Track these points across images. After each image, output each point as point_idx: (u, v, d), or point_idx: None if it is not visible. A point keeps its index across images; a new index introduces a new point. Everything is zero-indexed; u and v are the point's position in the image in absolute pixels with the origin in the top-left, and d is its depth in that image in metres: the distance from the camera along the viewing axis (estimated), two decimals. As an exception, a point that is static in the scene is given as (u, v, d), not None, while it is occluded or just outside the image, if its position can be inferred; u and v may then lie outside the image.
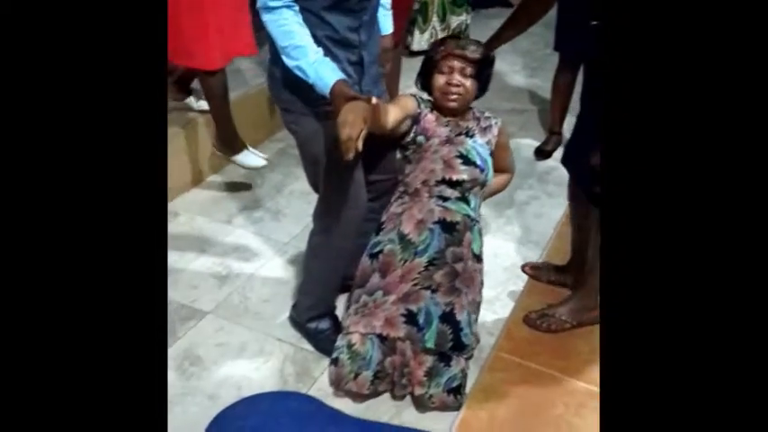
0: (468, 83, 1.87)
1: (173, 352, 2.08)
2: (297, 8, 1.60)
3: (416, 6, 4.35)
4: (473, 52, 1.86)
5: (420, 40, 4.43)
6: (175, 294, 2.32)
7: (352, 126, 1.49)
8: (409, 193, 1.92)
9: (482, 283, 1.95)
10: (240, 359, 2.07)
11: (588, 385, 1.87)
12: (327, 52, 1.63)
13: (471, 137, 1.92)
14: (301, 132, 1.81)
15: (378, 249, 1.90)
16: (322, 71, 1.58)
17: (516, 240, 2.70)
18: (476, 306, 1.93)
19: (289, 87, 1.72)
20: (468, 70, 1.86)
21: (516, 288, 2.35)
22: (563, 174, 3.24)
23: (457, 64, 1.85)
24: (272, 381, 2.00)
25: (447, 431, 1.80)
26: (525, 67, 4.38)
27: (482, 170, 1.89)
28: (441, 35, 4.46)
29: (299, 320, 2.14)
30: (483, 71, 1.91)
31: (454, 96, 1.88)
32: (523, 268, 2.40)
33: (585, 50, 1.78)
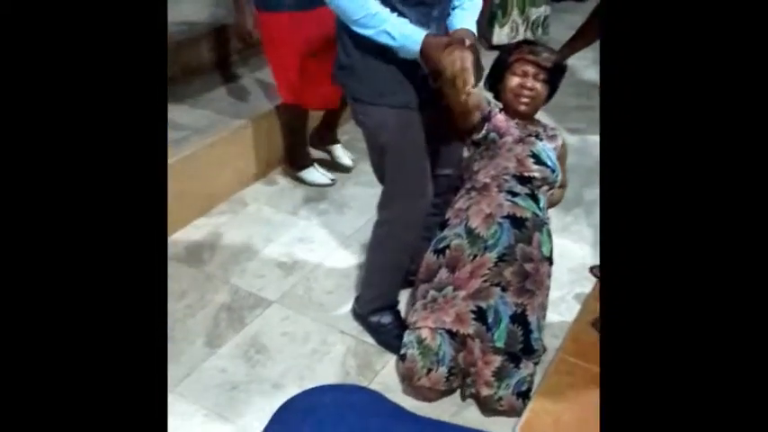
0: (540, 87, 1.88)
1: (240, 339, 2.13)
2: None
3: (497, 0, 4.33)
4: (546, 60, 1.86)
5: (500, 34, 4.43)
6: (243, 282, 2.37)
7: (462, 59, 1.54)
8: (477, 188, 1.91)
9: (549, 287, 1.92)
10: (304, 349, 2.10)
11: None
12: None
13: (541, 140, 1.93)
14: (369, 122, 1.82)
15: (444, 244, 1.89)
16: (407, 30, 1.58)
17: (583, 240, 2.64)
18: (544, 310, 1.91)
19: (358, 76, 1.73)
20: (542, 75, 1.87)
21: (582, 290, 2.30)
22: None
23: (531, 69, 1.86)
24: (333, 372, 2.02)
25: (509, 432, 1.78)
26: (595, 61, 4.26)
27: (553, 170, 1.90)
28: (521, 28, 4.46)
29: (361, 313, 2.15)
30: (555, 78, 1.91)
31: (526, 99, 1.88)
32: (592, 270, 2.34)
33: None
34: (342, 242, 2.59)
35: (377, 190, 2.00)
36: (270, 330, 2.17)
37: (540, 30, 4.55)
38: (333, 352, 2.10)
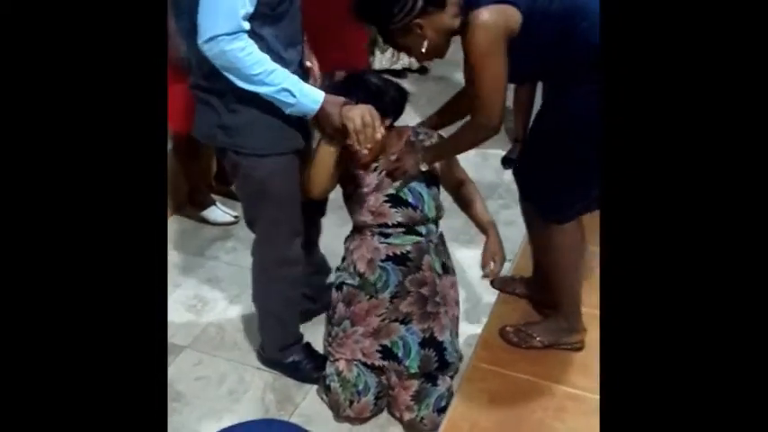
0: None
1: (152, 389, 2.06)
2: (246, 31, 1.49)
3: None
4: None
5: (381, 59, 4.46)
6: (152, 331, 2.30)
7: (368, 112, 1.55)
8: (357, 229, 1.90)
9: (457, 297, 1.97)
10: (220, 391, 2.06)
11: (567, 388, 1.89)
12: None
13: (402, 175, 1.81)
14: (258, 174, 1.71)
15: (340, 282, 1.91)
16: (306, 88, 1.55)
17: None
18: (455, 321, 1.95)
19: (245, 133, 1.64)
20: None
21: (491, 299, 2.36)
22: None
23: None
24: (253, 410, 1.99)
25: (430, 446, 1.81)
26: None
27: (415, 207, 1.80)
28: (402, 54, 4.49)
29: (271, 359, 2.10)
30: (384, 103, 1.73)
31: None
32: (492, 282, 2.40)
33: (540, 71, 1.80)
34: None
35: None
36: (184, 377, 2.12)
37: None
38: (251, 389, 2.07)
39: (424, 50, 1.63)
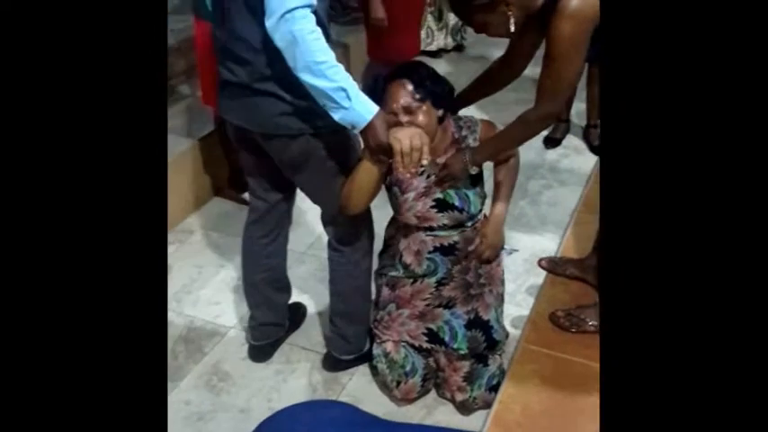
0: (420, 117, 1.60)
1: (201, 369, 2.08)
2: (315, 7, 1.41)
3: None
4: (408, 90, 1.60)
5: None
6: (198, 312, 2.32)
7: (417, 135, 1.50)
8: (400, 223, 1.81)
9: (503, 273, 1.93)
10: (267, 371, 2.07)
11: (619, 370, 1.85)
12: None
13: (449, 180, 1.71)
14: (347, 147, 1.67)
15: (385, 271, 1.87)
16: (362, 96, 1.46)
17: (533, 231, 2.69)
18: (501, 299, 1.92)
19: (312, 111, 1.55)
20: (414, 104, 1.60)
21: (537, 280, 2.33)
22: (574, 161, 3.25)
23: (398, 106, 1.60)
24: (301, 390, 2.00)
25: (481, 427, 1.79)
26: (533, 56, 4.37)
27: (462, 210, 1.72)
28: (438, 34, 4.43)
29: (357, 356, 2.04)
30: (432, 91, 1.63)
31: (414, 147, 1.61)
32: (539, 262, 2.37)
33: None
34: (296, 259, 2.56)
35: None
36: (231, 356, 2.13)
37: (459, 36, 4.56)
38: (298, 370, 2.07)
39: (512, 28, 1.53)
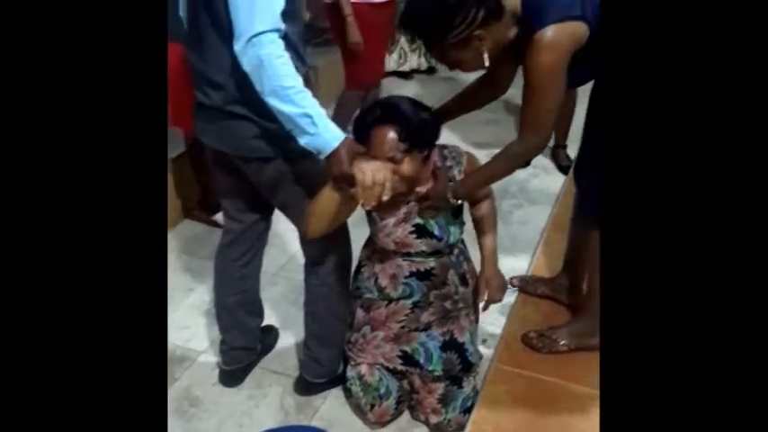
0: (404, 167, 1.56)
1: (172, 394, 2.04)
2: (283, 32, 1.41)
3: None
4: (393, 140, 1.54)
5: (389, 61, 4.44)
6: (168, 336, 2.29)
7: (381, 169, 1.47)
8: (376, 247, 1.78)
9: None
10: (239, 396, 2.05)
11: (591, 389, 1.87)
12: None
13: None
14: (316, 172, 1.61)
15: (359, 292, 1.85)
16: (330, 123, 1.45)
17: (504, 250, 2.69)
18: (475, 321, 1.93)
19: (279, 135, 1.53)
20: (399, 155, 1.55)
21: (508, 299, 2.34)
22: (543, 180, 3.30)
23: (383, 153, 1.55)
24: (272, 415, 1.98)
25: (454, 449, 1.79)
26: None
27: (440, 239, 1.70)
28: (411, 55, 4.48)
29: (330, 379, 2.03)
30: (418, 140, 1.57)
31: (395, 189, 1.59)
32: (511, 281, 2.38)
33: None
34: (268, 280, 2.54)
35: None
36: (201, 381, 2.10)
37: (431, 57, 4.60)
38: (270, 394, 2.05)
39: (476, 62, 1.53)
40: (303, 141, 1.46)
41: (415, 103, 1.63)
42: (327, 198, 1.58)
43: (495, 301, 1.81)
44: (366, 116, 1.61)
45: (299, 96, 1.41)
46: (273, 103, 1.41)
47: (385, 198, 1.51)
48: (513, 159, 1.63)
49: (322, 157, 1.49)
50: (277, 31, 1.38)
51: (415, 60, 4.52)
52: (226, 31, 1.45)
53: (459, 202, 1.68)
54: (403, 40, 4.42)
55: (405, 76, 4.50)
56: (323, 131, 1.43)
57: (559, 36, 1.46)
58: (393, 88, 4.33)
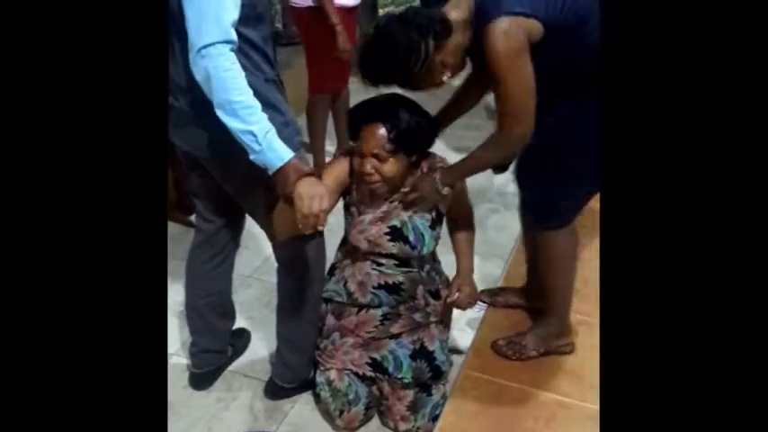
0: (387, 166, 1.59)
1: (139, 398, 2.04)
2: (236, 44, 1.40)
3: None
4: (381, 138, 1.57)
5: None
6: (139, 338, 2.28)
7: (318, 199, 1.45)
8: (350, 247, 1.78)
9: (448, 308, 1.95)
10: (208, 399, 2.05)
11: (557, 396, 1.88)
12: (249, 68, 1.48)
13: (409, 209, 1.70)
14: (267, 178, 1.54)
15: (329, 296, 1.86)
16: (275, 142, 1.43)
17: (479, 255, 2.68)
18: (446, 329, 1.94)
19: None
20: (384, 154, 1.58)
21: (481, 305, 2.35)
22: (521, 185, 3.31)
23: (367, 150, 1.59)
24: (242, 419, 1.98)
25: (421, 455, 1.80)
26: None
27: (413, 247, 1.69)
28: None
29: (300, 384, 2.03)
30: (406, 143, 1.60)
31: (373, 184, 1.63)
32: (479, 296, 2.38)
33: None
34: (241, 283, 2.55)
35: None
36: (172, 384, 2.09)
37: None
38: (239, 398, 2.05)
39: (447, 78, 1.57)
40: (251, 157, 1.45)
41: (412, 105, 1.63)
42: (283, 210, 1.58)
43: (460, 308, 1.81)
44: (360, 110, 1.63)
45: (246, 112, 1.39)
46: (221, 115, 1.40)
47: (320, 228, 1.51)
48: (498, 148, 1.63)
49: (270, 174, 1.47)
50: (227, 42, 1.37)
51: None
52: (183, 38, 1.45)
53: (448, 190, 1.68)
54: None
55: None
56: (267, 150, 1.42)
57: (510, 24, 1.46)
58: (369, 91, 4.34)
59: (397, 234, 1.69)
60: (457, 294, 1.79)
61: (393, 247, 1.69)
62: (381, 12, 4.46)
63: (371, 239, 1.69)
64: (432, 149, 1.76)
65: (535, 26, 1.50)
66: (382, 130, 1.56)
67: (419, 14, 1.51)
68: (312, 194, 1.45)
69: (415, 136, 1.61)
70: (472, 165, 1.70)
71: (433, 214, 1.72)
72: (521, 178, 1.94)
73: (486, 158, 1.67)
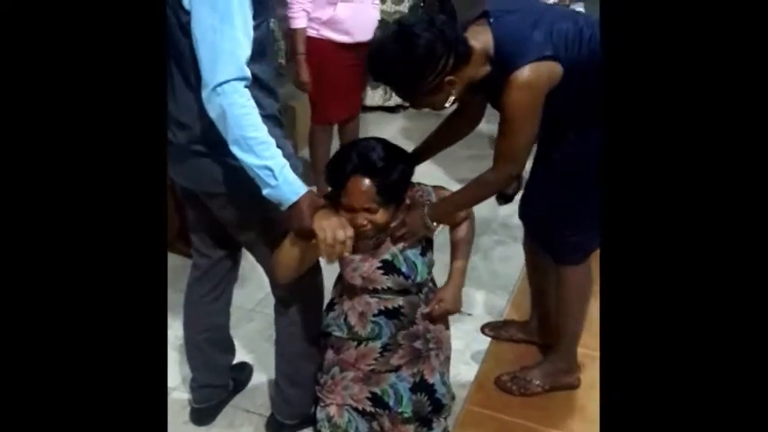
0: (379, 216, 1.58)
1: None
2: (250, 81, 1.41)
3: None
4: (369, 193, 1.53)
5: (374, 96, 4.47)
6: (140, 372, 2.26)
7: (341, 227, 1.46)
8: (345, 284, 1.75)
9: (449, 338, 1.93)
10: (209, 435, 2.02)
11: (562, 432, 1.85)
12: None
13: (398, 243, 1.68)
14: (271, 212, 1.54)
15: (329, 330, 1.83)
16: (290, 176, 1.44)
17: (484, 287, 2.70)
18: (447, 362, 1.91)
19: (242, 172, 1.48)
20: (374, 206, 1.56)
21: (485, 338, 2.33)
22: (526, 216, 3.30)
23: (359, 204, 1.56)
24: (242, 455, 1.95)
25: (423, 494, 1.76)
26: (488, 112, 4.47)
27: (408, 277, 1.67)
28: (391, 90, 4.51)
29: (302, 420, 1.99)
30: (394, 193, 1.59)
31: (366, 232, 1.61)
32: (483, 330, 2.36)
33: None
34: (244, 316, 2.53)
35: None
36: (172, 419, 2.06)
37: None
38: (240, 434, 2.02)
39: (449, 104, 1.58)
40: (265, 192, 1.45)
41: (391, 150, 1.61)
42: (291, 246, 1.57)
43: (434, 321, 1.77)
44: (342, 164, 1.59)
45: (261, 147, 1.40)
46: (236, 152, 1.41)
47: (346, 254, 1.52)
48: (486, 187, 1.67)
49: (283, 209, 1.48)
50: (242, 79, 1.38)
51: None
52: (191, 74, 1.46)
53: (436, 225, 1.67)
54: None
55: (391, 110, 4.53)
56: (283, 184, 1.43)
57: (536, 75, 1.49)
58: (380, 122, 4.37)
59: (389, 267, 1.68)
60: (436, 306, 1.76)
61: (387, 281, 1.68)
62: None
63: (365, 276, 1.68)
64: (432, 179, 1.76)
65: (557, 69, 1.52)
66: (370, 185, 1.54)
67: (447, 28, 1.48)
68: (333, 224, 1.47)
69: (402, 185, 1.62)
70: (460, 200, 1.71)
71: (423, 242, 1.71)
72: (529, 215, 1.93)
73: (473, 195, 1.70)
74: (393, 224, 1.66)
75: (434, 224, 1.67)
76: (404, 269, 1.68)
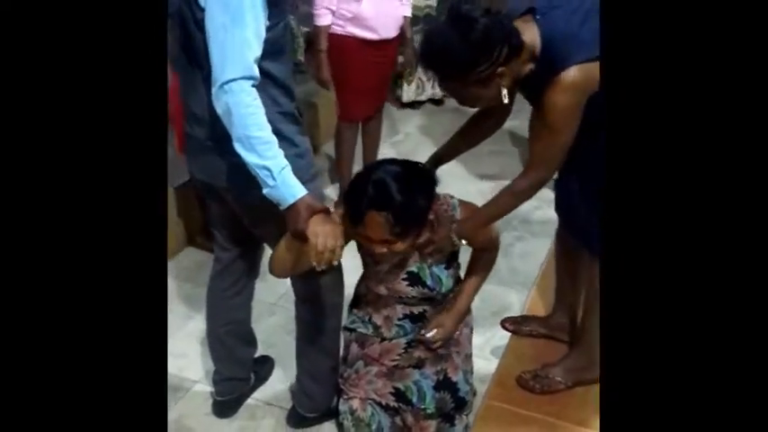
0: (398, 245, 1.52)
1: (162, 425, 2.05)
2: (258, 80, 1.42)
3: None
4: (386, 227, 1.46)
5: (408, 91, 4.49)
6: (164, 364, 2.30)
7: (332, 236, 1.46)
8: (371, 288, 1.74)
9: (472, 331, 1.93)
10: (231, 428, 2.04)
11: (582, 428, 1.85)
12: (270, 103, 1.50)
13: (424, 256, 1.65)
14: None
15: (354, 326, 1.84)
16: (290, 178, 1.45)
17: (503, 283, 2.70)
18: (469, 359, 1.91)
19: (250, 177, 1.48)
20: (393, 238, 1.50)
21: (505, 333, 2.33)
22: (546, 213, 3.28)
23: (376, 237, 1.50)
24: (264, 447, 1.97)
25: (443, 487, 1.77)
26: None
27: (432, 289, 1.67)
28: (427, 85, 4.51)
29: (323, 413, 2.02)
30: (412, 225, 1.52)
31: (386, 257, 1.59)
32: (503, 324, 2.36)
33: None
34: (266, 310, 2.56)
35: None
36: (195, 412, 2.10)
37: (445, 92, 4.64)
38: (262, 426, 2.05)
39: (506, 100, 1.52)
40: (264, 191, 1.46)
41: (409, 178, 1.52)
42: (287, 246, 1.57)
43: (431, 344, 1.75)
44: (359, 199, 1.51)
45: (263, 147, 1.41)
46: (239, 149, 1.43)
47: (335, 263, 1.50)
48: (519, 195, 1.62)
49: (281, 209, 1.48)
50: (249, 78, 1.40)
51: (430, 90, 4.58)
52: (205, 70, 1.47)
53: (464, 242, 1.64)
54: (420, 71, 4.45)
55: (412, 106, 4.53)
56: (281, 185, 1.43)
57: (583, 78, 1.45)
58: (401, 118, 4.37)
59: (414, 279, 1.67)
60: (433, 332, 1.74)
61: (412, 291, 1.69)
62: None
63: (390, 287, 1.69)
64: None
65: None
66: (386, 220, 1.47)
67: (504, 17, 1.45)
68: (326, 231, 1.46)
69: (422, 216, 1.54)
70: (492, 212, 1.66)
71: (447, 254, 1.69)
72: (565, 206, 1.90)
73: (506, 204, 1.64)
74: (420, 240, 1.62)
75: (462, 241, 1.64)
76: (429, 282, 1.68)
